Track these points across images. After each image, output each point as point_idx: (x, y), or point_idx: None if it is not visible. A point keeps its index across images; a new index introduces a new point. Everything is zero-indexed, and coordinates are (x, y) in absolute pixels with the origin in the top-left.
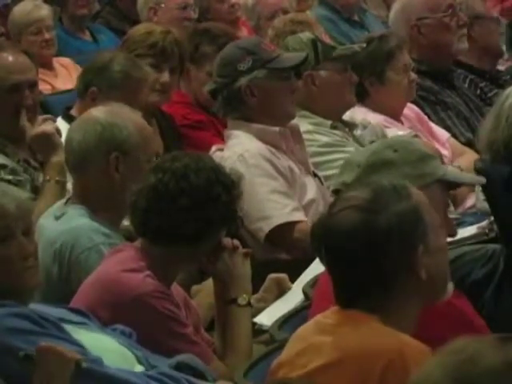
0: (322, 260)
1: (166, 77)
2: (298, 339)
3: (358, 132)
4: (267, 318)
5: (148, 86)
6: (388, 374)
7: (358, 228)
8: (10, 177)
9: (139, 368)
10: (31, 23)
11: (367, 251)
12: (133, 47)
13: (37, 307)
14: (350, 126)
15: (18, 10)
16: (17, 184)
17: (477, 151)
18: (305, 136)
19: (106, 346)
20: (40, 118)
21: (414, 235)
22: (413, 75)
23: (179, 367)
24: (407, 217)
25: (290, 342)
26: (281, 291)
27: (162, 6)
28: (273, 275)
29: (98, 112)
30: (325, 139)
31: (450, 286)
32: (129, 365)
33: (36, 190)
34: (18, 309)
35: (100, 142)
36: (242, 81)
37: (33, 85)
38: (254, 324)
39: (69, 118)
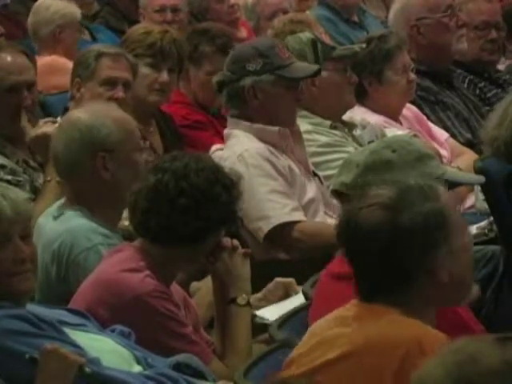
0: (345, 254)
1: (164, 76)
2: (312, 334)
3: (357, 132)
4: (270, 313)
5: (129, 64)
6: (406, 363)
7: (382, 225)
8: (10, 177)
9: (138, 368)
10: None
11: (389, 249)
12: (131, 47)
13: (34, 308)
14: (350, 126)
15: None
16: (16, 184)
17: (476, 151)
18: (304, 136)
19: (104, 347)
20: (41, 121)
21: (437, 236)
22: (412, 75)
23: (178, 367)
24: (432, 217)
25: (305, 337)
26: (287, 294)
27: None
28: (280, 279)
29: (75, 115)
30: (324, 139)
31: (475, 288)
32: (127, 365)
33: (35, 191)
34: (15, 310)
35: (82, 147)
36: (248, 81)
37: (31, 85)
38: (254, 316)
39: None
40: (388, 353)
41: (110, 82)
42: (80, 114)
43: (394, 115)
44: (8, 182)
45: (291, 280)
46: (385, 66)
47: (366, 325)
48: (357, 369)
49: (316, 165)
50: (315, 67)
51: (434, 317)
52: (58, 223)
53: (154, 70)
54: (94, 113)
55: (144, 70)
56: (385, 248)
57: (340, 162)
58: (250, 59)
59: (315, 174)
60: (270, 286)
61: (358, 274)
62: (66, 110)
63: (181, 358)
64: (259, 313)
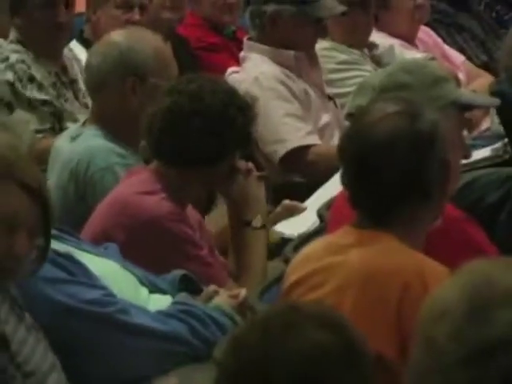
0: (347, 176)
1: None
2: (310, 259)
3: (377, 51)
4: (286, 227)
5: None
6: (407, 292)
7: (402, 132)
8: (36, 93)
9: (143, 290)
10: None
11: (413, 155)
12: None
13: None
14: (370, 45)
15: None
16: (36, 107)
17: (492, 74)
18: (323, 53)
19: (114, 273)
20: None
21: (444, 143)
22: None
23: (185, 279)
24: (440, 123)
25: (299, 261)
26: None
27: None
28: (287, 202)
29: (118, 36)
30: (343, 57)
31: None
32: (134, 288)
33: (59, 112)
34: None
35: (117, 66)
36: (271, 7)
37: (68, 3)
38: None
39: (83, 41)
40: (389, 282)
41: (127, 5)
42: (121, 36)
43: (407, 39)
44: (28, 101)
45: (296, 204)
46: None
47: (364, 253)
48: (359, 299)
49: (332, 82)
50: (341, 8)
51: (423, 239)
52: (75, 144)
53: None
54: (135, 37)
55: None
56: (408, 155)
57: (356, 80)
58: None
59: (330, 98)
60: (277, 210)
61: (366, 195)
62: (82, 32)
63: (180, 272)
64: (276, 227)
